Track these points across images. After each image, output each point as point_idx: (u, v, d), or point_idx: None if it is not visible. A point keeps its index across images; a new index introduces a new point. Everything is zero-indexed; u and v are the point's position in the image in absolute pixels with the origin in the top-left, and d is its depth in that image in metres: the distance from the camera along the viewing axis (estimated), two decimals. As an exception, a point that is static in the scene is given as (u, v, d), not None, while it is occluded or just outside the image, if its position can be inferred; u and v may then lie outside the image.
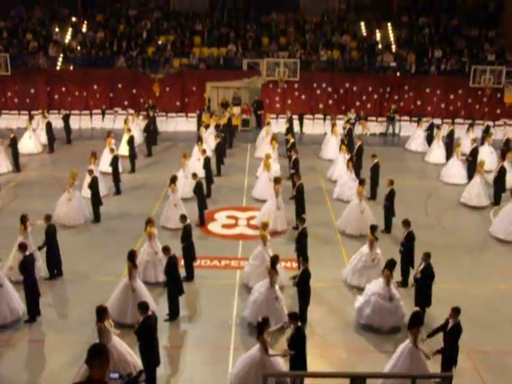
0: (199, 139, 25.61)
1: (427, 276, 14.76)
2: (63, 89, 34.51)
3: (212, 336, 14.45)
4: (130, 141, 25.94)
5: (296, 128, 34.34)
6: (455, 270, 18.07)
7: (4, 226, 19.20)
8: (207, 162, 23.20)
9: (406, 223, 16.78)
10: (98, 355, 6.41)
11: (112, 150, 23.58)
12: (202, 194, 20.74)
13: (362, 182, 20.75)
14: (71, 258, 17.40)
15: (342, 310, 15.62)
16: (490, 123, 34.34)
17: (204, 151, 23.76)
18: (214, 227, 20.94)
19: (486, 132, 30.02)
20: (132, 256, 14.44)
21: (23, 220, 16.32)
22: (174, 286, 14.91)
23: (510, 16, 37.45)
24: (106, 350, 6.55)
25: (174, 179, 20.10)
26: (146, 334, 12.03)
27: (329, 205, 23.17)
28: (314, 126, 34.43)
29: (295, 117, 34.32)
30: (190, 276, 16.96)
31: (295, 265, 17.69)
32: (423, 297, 14.87)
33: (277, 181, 20.46)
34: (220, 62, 35.39)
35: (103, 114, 34.47)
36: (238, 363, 12.34)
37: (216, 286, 16.83)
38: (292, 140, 26.25)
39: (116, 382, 9.22)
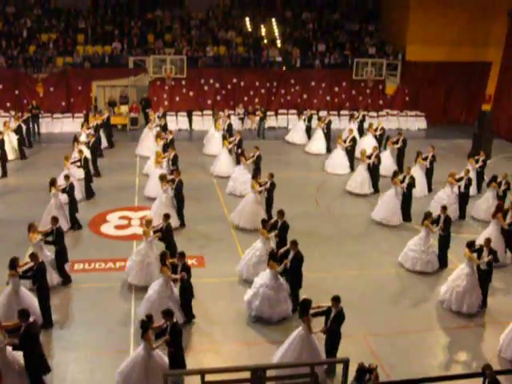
0: (75, 139, 25.12)
1: (298, 263, 15.21)
2: None
3: (110, 341, 14.28)
4: (1, 144, 25.18)
5: (185, 125, 34.42)
6: (340, 257, 18.85)
7: None
8: (85, 162, 22.84)
9: (280, 213, 17.21)
10: None
11: None
12: (73, 196, 20.41)
13: (254, 176, 21.10)
14: None
15: (236, 305, 15.78)
16: (374, 114, 35.79)
17: (81, 151, 23.21)
18: (106, 229, 20.67)
19: (362, 122, 31.23)
20: (13, 264, 14.07)
21: None
22: (44, 292, 14.59)
23: (388, 11, 38.94)
24: None
25: (53, 182, 19.62)
26: (29, 342, 11.75)
27: (221, 200, 23.38)
28: (203, 122, 34.49)
29: (184, 114, 34.42)
30: (67, 280, 16.66)
31: (191, 262, 17.77)
32: (296, 283, 15.42)
33: (162, 178, 20.46)
34: (105, 60, 34.68)
35: (-16, 116, 33.05)
36: (124, 362, 12.30)
37: (111, 288, 16.60)
38: (171, 136, 26.20)
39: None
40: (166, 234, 16.96)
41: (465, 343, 14.70)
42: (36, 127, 31.74)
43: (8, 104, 33.10)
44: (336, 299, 12.71)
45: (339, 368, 11.62)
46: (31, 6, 37.10)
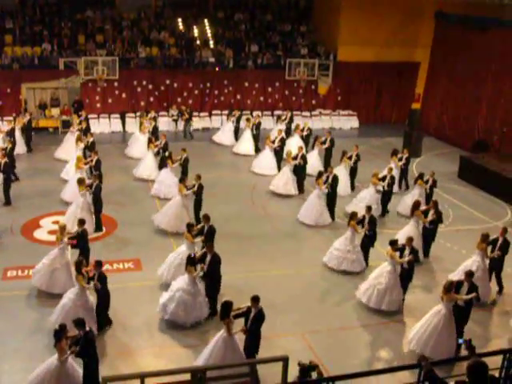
0: None
1: (215, 265, 15.34)
2: None
3: (32, 348, 14.10)
4: None
5: (119, 127, 34.13)
6: (266, 258, 19.10)
7: None
8: (5, 167, 22.49)
9: (206, 218, 17.28)
10: None
11: None
12: None
13: (182, 179, 21.05)
14: None
15: (152, 308, 15.65)
16: (307, 113, 36.26)
17: (3, 156, 22.82)
18: (40, 234, 20.37)
19: (290, 123, 31.49)
20: None
21: None
22: None
23: (319, 12, 39.45)
24: None
25: None
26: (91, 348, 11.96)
27: (147, 203, 23.27)
28: (136, 124, 34.14)
29: (117, 116, 34.12)
30: None
31: (127, 265, 17.99)
32: (214, 286, 15.58)
33: (80, 182, 20.26)
34: (35, 61, 34.01)
35: None
36: (35, 371, 12.14)
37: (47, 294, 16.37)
38: (91, 139, 25.93)
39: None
40: (81, 240, 16.71)
41: (384, 339, 15.14)
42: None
43: None
44: (255, 299, 12.86)
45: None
46: (-45, 6, 36.12)
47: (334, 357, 14.10)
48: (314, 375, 11.05)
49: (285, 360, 10.23)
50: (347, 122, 37.52)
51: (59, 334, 11.76)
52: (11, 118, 30.32)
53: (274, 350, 13.47)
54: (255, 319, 12.86)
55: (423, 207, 19.87)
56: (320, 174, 21.91)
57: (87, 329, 12.26)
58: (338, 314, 16.17)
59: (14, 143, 26.10)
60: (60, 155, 27.69)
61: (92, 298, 14.74)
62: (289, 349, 13.14)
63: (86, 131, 28.06)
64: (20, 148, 28.35)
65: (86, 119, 30.03)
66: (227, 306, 12.75)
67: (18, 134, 28.46)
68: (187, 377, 9.98)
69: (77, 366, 12.17)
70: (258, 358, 12.85)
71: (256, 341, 13.03)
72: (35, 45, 34.67)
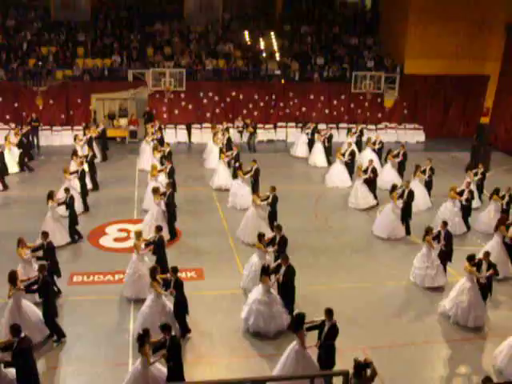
0: (74, 153, 25.17)
1: (289, 276, 15.20)
2: None
3: (109, 353, 14.24)
4: (1, 157, 25.26)
5: (184, 138, 34.49)
6: (340, 271, 18.78)
7: None
8: (82, 175, 22.90)
9: (278, 228, 17.20)
10: None
11: None
12: (73, 209, 20.39)
13: (254, 190, 21.04)
14: None
15: (232, 318, 15.70)
16: (372, 127, 35.92)
17: (81, 163, 23.35)
18: (105, 241, 20.66)
19: (360, 136, 31.24)
20: (12, 277, 14.04)
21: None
22: (49, 306, 14.55)
23: (386, 25, 39.15)
24: None
25: (50, 195, 19.65)
26: (21, 358, 11.72)
27: (220, 213, 23.37)
28: (201, 135, 34.57)
29: (182, 126, 34.51)
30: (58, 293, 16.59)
31: (190, 274, 18.03)
32: (289, 297, 15.40)
33: (155, 191, 20.48)
34: (105, 73, 34.81)
35: (-17, 129, 33.13)
36: (125, 380, 12.23)
37: (111, 300, 16.60)
38: (168, 149, 26.23)
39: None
40: (157, 247, 16.89)
41: (464, 356, 14.65)
42: (35, 140, 31.85)
43: (7, 116, 33.24)
44: (329, 312, 12.63)
45: (336, 381, 11.61)
46: (31, 19, 37.36)
47: (406, 373, 13.79)
48: (368, 372, 11.13)
49: (345, 375, 10.08)
50: (413, 135, 36.95)
51: (143, 338, 11.79)
52: (81, 128, 31.09)
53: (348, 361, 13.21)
54: (329, 333, 12.61)
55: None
56: (394, 188, 21.48)
57: (172, 333, 12.26)
58: (413, 329, 15.73)
59: (94, 152, 26.68)
60: (141, 165, 28.07)
61: (169, 304, 14.80)
62: (349, 363, 12.81)
63: (161, 141, 28.49)
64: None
65: (160, 129, 30.46)
66: (300, 318, 12.61)
67: (94, 143, 29.00)
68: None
69: (163, 369, 12.18)
70: (319, 372, 12.58)
71: (331, 354, 12.73)
72: (105, 57, 35.54)
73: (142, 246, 16.62)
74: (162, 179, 23.11)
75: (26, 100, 33.36)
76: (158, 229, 17.03)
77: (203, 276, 18.19)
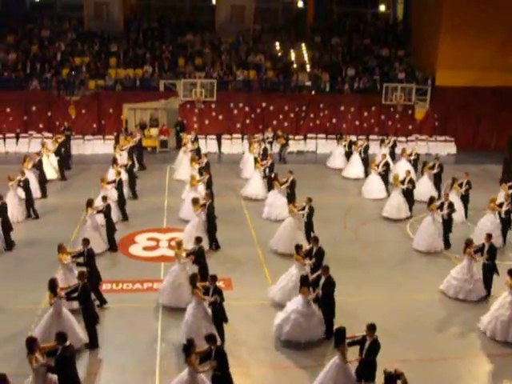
0: (114, 161, 25.42)
1: (329, 288, 15.11)
2: (-26, 112, 33.54)
3: (136, 361, 14.30)
4: (39, 164, 25.57)
5: (214, 148, 34.62)
6: (377, 284, 18.56)
7: None
8: (120, 184, 23.08)
9: (315, 240, 17.14)
10: None
11: (22, 173, 23.14)
12: (110, 217, 20.59)
13: (291, 200, 21.00)
14: None
15: (264, 328, 15.67)
16: (403, 138, 35.72)
17: (119, 173, 23.55)
18: (135, 250, 20.77)
19: (393, 148, 31.16)
20: (53, 285, 14.15)
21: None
22: (89, 313, 14.67)
23: (417, 37, 38.99)
24: None
25: (89, 203, 19.87)
26: (64, 365, 11.81)
27: (249, 223, 23.37)
28: (232, 145, 34.70)
29: (213, 137, 34.65)
30: (101, 301, 16.67)
31: (218, 284, 17.86)
32: (329, 309, 15.28)
33: (195, 202, 20.56)
34: (136, 83, 35.17)
35: (17, 137, 33.62)
36: None
37: (139, 308, 16.67)
38: (205, 160, 26.27)
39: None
40: (198, 257, 16.96)
41: (501, 372, 14.40)
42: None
43: (41, 125, 33.71)
44: (371, 328, 12.51)
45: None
46: (65, 30, 37.91)
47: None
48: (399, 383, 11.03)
49: None
50: (444, 147, 36.59)
51: (189, 348, 11.78)
52: (112, 137, 31.43)
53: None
54: (371, 349, 12.48)
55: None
56: (432, 200, 21.19)
57: (218, 343, 12.26)
58: (450, 344, 15.47)
59: (133, 161, 26.90)
60: (179, 176, 28.12)
61: (209, 311, 14.79)
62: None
63: (198, 151, 28.66)
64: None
65: (196, 139, 30.62)
66: (341, 332, 12.52)
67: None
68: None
69: (206, 381, 12.13)
70: None
71: (371, 370, 12.55)
72: (137, 67, 35.93)
73: (183, 255, 16.70)
74: (201, 189, 23.29)
75: (59, 109, 33.82)
76: (198, 240, 17.14)
77: (231, 286, 18.17)
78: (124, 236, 21.75)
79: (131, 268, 19.24)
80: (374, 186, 26.76)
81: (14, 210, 21.99)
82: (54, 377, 11.91)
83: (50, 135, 31.40)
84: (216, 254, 20.52)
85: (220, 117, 35.27)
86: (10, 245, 20.40)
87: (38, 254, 19.81)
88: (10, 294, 17.23)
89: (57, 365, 11.75)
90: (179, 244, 16.94)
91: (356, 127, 36.38)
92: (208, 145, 34.74)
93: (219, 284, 17.72)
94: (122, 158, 27.19)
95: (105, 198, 20.56)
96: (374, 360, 12.54)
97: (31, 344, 11.63)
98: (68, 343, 12.04)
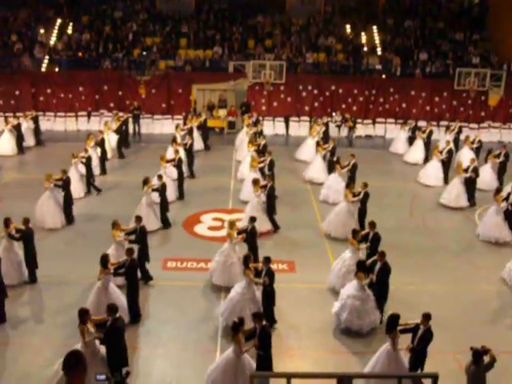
0: (174, 140, 25.68)
1: (384, 274, 14.91)
2: (48, 90, 34.31)
3: (197, 338, 14.48)
4: (101, 142, 26.11)
5: (282, 130, 34.51)
6: (434, 272, 18.22)
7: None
8: (179, 162, 23.29)
9: (372, 225, 16.91)
10: (75, 364, 6.36)
11: (86, 151, 23.70)
12: (165, 195, 20.85)
13: (348, 185, 20.79)
14: (45, 261, 17.24)
15: (322, 312, 15.59)
16: (475, 125, 34.77)
17: (177, 152, 23.76)
18: (200, 229, 20.99)
19: (458, 134, 30.41)
20: (104, 260, 14.53)
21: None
22: (133, 289, 14.96)
23: (494, 20, 37.77)
24: (83, 357, 6.48)
25: (146, 181, 20.21)
26: (113, 337, 12.07)
27: (314, 206, 23.25)
28: (299, 128, 34.51)
29: (280, 119, 34.53)
30: (146, 278, 16.89)
31: (282, 266, 18.01)
32: (382, 295, 15.11)
33: (255, 182, 20.56)
34: (206, 64, 35.38)
35: (89, 115, 34.39)
36: (214, 364, 12.39)
37: (203, 287, 16.86)
38: (263, 142, 26.33)
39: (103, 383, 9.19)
40: (249, 237, 17.01)
41: None
42: (137, 127, 32.75)
43: (112, 104, 34.26)
44: (426, 316, 12.32)
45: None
46: (137, 11, 38.35)
47: (501, 382, 13.11)
48: (486, 359, 11.09)
49: (434, 378, 9.71)
50: (518, 135, 35.50)
51: (238, 327, 11.90)
52: (181, 117, 31.66)
53: (438, 366, 12.59)
54: (423, 338, 12.29)
55: None
56: (498, 191, 20.72)
57: (264, 323, 12.29)
58: (510, 337, 15.08)
59: (193, 140, 27.10)
60: (238, 157, 28.25)
61: (258, 294, 14.84)
62: (454, 366, 12.37)
63: (260, 133, 28.66)
64: (198, 145, 29.40)
65: (258, 121, 30.59)
66: (394, 319, 12.36)
67: (195, 132, 29.60)
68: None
69: (251, 360, 12.22)
70: (408, 373, 12.23)
71: (422, 359, 12.39)
72: (207, 48, 36.10)
73: (235, 235, 16.78)
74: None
75: (130, 89, 34.32)
76: (252, 219, 17.22)
77: (295, 269, 18.16)
78: (190, 215, 22.01)
79: (196, 247, 19.45)
80: (432, 172, 26.19)
81: (76, 186, 22.46)
82: (102, 348, 12.16)
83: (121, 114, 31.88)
84: (279, 236, 20.50)
85: (288, 99, 35.08)
86: (71, 219, 21.00)
87: (95, 229, 20.27)
88: (66, 267, 17.75)
89: (106, 336, 12.01)
90: (232, 224, 17.00)
91: (426, 112, 35.54)
92: (276, 127, 34.73)
93: (282, 266, 17.86)
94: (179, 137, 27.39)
95: (160, 177, 20.87)
96: (425, 349, 12.33)
97: (83, 315, 11.98)
98: (118, 315, 12.30)
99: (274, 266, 17.53)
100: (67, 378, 6.37)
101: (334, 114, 33.86)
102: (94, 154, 25.45)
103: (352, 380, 10.08)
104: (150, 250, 17.16)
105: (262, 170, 23.48)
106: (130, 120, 31.92)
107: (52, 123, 34.11)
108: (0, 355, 13.73)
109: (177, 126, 28.68)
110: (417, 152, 29.38)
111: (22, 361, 13.49)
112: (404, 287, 16.66)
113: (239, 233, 16.93)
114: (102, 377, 9.06)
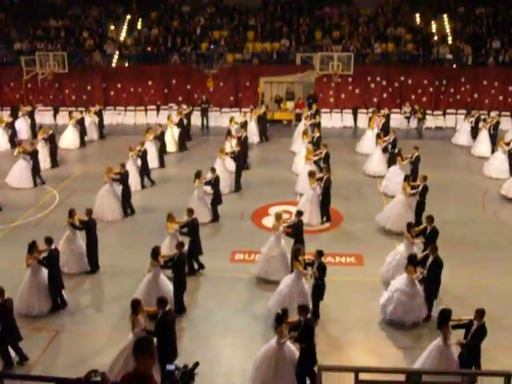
0: (228, 133, 25.81)
1: (436, 268, 14.57)
2: (119, 85, 35.08)
3: (268, 329, 14.42)
4: (161, 136, 26.55)
5: (350, 122, 34.20)
6: (493, 267, 17.53)
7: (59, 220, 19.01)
8: (238, 156, 23.46)
9: (430, 219, 16.49)
10: (145, 349, 6.44)
11: (142, 144, 24.01)
12: (217, 188, 20.91)
13: (406, 178, 20.38)
14: (105, 252, 17.66)
15: (371, 306, 15.35)
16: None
17: (239, 143, 24.10)
18: (267, 221, 20.84)
19: None
20: (155, 253, 14.76)
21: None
22: (179, 282, 15.08)
23: None
24: (152, 343, 6.55)
25: (198, 174, 20.36)
26: (163, 329, 12.19)
27: (372, 199, 22.94)
28: (368, 120, 34.05)
29: (349, 111, 34.22)
30: (199, 267, 17.17)
31: (349, 260, 17.96)
32: (433, 289, 14.80)
33: (311, 175, 20.43)
34: (273, 56, 35.37)
35: (158, 109, 34.90)
36: (259, 352, 12.38)
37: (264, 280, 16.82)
38: (317, 134, 26.13)
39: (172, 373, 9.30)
40: (296, 231, 16.85)
41: None
42: (205, 121, 32.99)
43: (180, 98, 34.68)
44: (480, 312, 11.99)
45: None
46: (205, 5, 38.67)
47: None
48: None
49: (507, 376, 9.43)
50: None
51: (281, 318, 11.95)
52: (248, 110, 31.75)
53: (490, 363, 12.40)
54: (476, 334, 11.97)
55: None
56: None
57: (308, 316, 12.25)
58: None
59: (246, 133, 27.14)
60: (294, 148, 28.16)
61: (307, 287, 14.78)
62: (507, 364, 11.95)
63: (318, 125, 28.44)
64: (254, 137, 29.60)
65: (318, 112, 30.32)
66: (446, 314, 12.13)
67: (253, 124, 29.74)
68: (401, 377, 9.55)
69: (295, 352, 12.17)
70: (479, 370, 11.98)
71: (475, 356, 12.06)
72: (274, 40, 36.07)
73: (281, 228, 16.67)
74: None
75: (198, 82, 34.66)
76: (299, 213, 17.15)
77: (363, 262, 17.94)
78: (258, 207, 22.05)
79: (264, 239, 19.27)
80: (496, 164, 25.26)
81: (133, 179, 22.73)
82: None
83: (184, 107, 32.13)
84: (346, 228, 20.38)
85: (356, 90, 34.72)
86: (131, 211, 21.46)
87: (152, 221, 20.49)
88: (121, 257, 18.08)
89: (157, 328, 12.13)
90: (278, 216, 16.91)
91: (499, 103, 34.52)
92: (344, 119, 34.45)
93: (350, 260, 17.68)
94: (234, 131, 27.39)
95: (213, 170, 20.98)
96: (479, 346, 12.01)
97: (135, 306, 12.17)
98: (168, 308, 12.44)
99: (341, 260, 17.77)
100: (135, 362, 6.45)
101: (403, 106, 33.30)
102: (153, 147, 25.87)
103: (421, 377, 9.97)
104: (218, 242, 17.26)
105: (316, 163, 23.32)
106: (195, 113, 32.26)
107: (122, 117, 34.88)
108: (56, 341, 14.12)
109: (231, 119, 28.76)
110: (483, 145, 28.36)
111: (77, 347, 13.83)
112: (460, 281, 16.25)
113: (288, 227, 16.85)
114: (172, 367, 9.19)
